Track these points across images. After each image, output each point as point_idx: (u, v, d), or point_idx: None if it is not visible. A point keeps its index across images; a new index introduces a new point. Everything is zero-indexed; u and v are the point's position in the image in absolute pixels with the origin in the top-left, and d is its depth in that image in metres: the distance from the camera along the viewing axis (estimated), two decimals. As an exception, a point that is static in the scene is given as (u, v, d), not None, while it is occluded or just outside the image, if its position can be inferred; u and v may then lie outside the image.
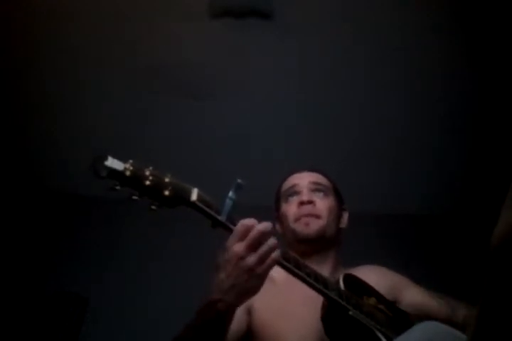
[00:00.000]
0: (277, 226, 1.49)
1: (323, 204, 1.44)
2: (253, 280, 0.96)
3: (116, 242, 3.04)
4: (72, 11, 2.41)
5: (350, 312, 1.08)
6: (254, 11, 2.37)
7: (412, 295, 1.39)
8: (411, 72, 2.59)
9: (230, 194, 1.00)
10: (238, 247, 0.96)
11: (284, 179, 1.54)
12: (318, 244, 1.40)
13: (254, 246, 0.96)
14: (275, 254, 0.98)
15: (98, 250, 3.02)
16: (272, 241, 0.98)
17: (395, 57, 2.54)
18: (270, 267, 0.98)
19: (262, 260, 0.96)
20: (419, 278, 1.46)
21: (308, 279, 1.06)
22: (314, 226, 1.39)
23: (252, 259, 0.95)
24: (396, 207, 3.13)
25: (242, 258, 0.95)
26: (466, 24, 2.36)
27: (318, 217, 1.41)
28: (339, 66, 2.59)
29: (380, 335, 1.07)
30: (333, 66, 2.59)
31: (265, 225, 0.98)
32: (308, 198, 1.43)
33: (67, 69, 2.64)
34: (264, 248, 0.97)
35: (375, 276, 1.33)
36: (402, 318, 1.21)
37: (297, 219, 1.41)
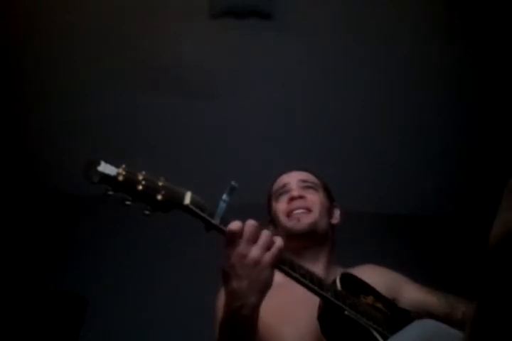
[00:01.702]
0: (271, 228, 1.50)
1: (313, 198, 1.46)
2: (264, 272, 0.98)
3: (117, 242, 3.04)
4: (72, 10, 2.42)
5: (346, 312, 1.08)
6: (254, 11, 2.37)
7: (410, 292, 1.40)
8: (411, 72, 2.59)
9: (224, 196, 1.00)
10: (239, 248, 0.98)
11: (274, 180, 1.56)
12: (310, 238, 1.41)
13: (252, 241, 0.98)
14: (278, 241, 1.00)
15: (98, 250, 3.02)
16: (266, 231, 1.00)
17: (395, 58, 2.54)
18: (276, 255, 0.99)
19: (264, 249, 0.98)
20: (419, 278, 1.46)
21: (303, 280, 1.07)
22: (306, 220, 1.40)
23: (254, 252, 0.97)
24: (396, 207, 3.13)
25: (245, 255, 0.97)
26: (467, 23, 2.36)
27: (309, 210, 1.42)
28: (339, 66, 2.59)
29: (376, 334, 1.07)
30: (333, 66, 2.59)
31: (253, 221, 1.01)
32: (298, 193, 1.45)
33: (67, 69, 2.64)
34: (262, 237, 0.99)
35: (373, 275, 1.33)
36: (400, 316, 1.21)
37: (288, 215, 1.43)
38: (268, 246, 0.99)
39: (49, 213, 3.19)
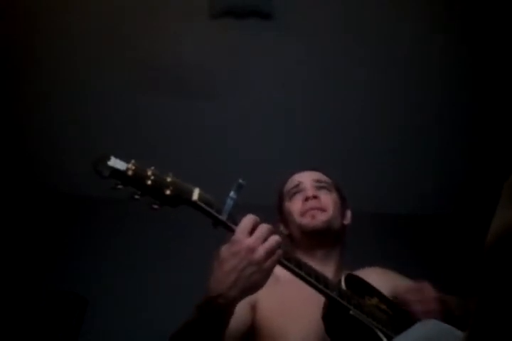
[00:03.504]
0: (281, 227, 1.49)
1: (327, 198, 1.46)
2: (258, 275, 0.97)
3: (117, 242, 3.04)
4: (72, 10, 2.42)
5: (351, 312, 1.08)
6: (254, 11, 2.37)
7: None
8: (411, 71, 2.59)
9: (231, 193, 1.01)
10: (249, 240, 0.97)
11: (286, 179, 1.56)
12: (324, 236, 1.41)
13: (262, 241, 0.98)
14: (280, 250, 0.99)
15: (98, 250, 3.02)
16: (277, 236, 1.00)
17: (395, 58, 2.54)
18: (275, 263, 0.99)
19: (269, 254, 0.97)
20: (419, 279, 1.45)
21: (308, 278, 1.06)
22: (321, 217, 1.41)
23: (260, 253, 0.96)
24: (396, 207, 3.13)
25: (252, 251, 0.96)
26: (467, 23, 2.36)
27: (323, 210, 1.42)
28: (339, 66, 2.59)
29: (380, 335, 1.07)
30: (333, 66, 2.59)
31: (269, 225, 1.01)
32: (313, 193, 1.45)
33: (67, 69, 2.64)
34: (271, 242, 0.98)
35: (377, 278, 1.33)
36: (403, 318, 1.21)
37: (303, 214, 1.43)
38: (273, 253, 0.98)
39: (49, 213, 3.19)
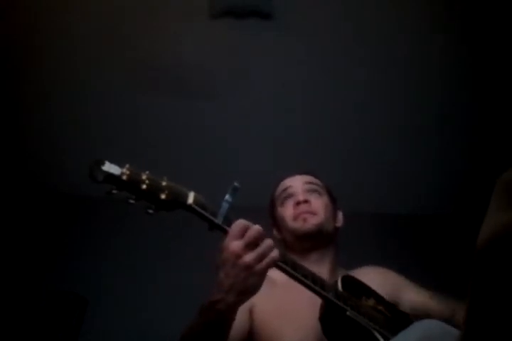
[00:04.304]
0: (274, 232, 1.50)
1: (318, 202, 1.47)
2: (252, 279, 0.97)
3: (117, 242, 3.04)
4: (72, 10, 2.42)
5: (348, 313, 1.08)
6: (254, 11, 2.37)
7: (412, 295, 1.40)
8: (411, 71, 2.59)
9: (227, 197, 1.01)
10: (235, 246, 0.97)
11: (277, 184, 1.57)
12: (317, 239, 1.42)
13: (251, 245, 0.98)
14: (274, 253, 0.99)
15: (98, 250, 3.02)
16: (269, 240, 0.99)
17: (395, 58, 2.54)
18: (269, 266, 0.99)
19: (260, 258, 0.97)
20: (419, 279, 1.46)
21: (305, 280, 1.07)
22: (312, 221, 1.42)
23: (249, 257, 0.96)
24: (396, 207, 3.13)
25: (239, 256, 0.96)
26: (467, 23, 2.36)
27: (315, 213, 1.43)
28: (339, 66, 2.59)
29: (377, 335, 1.08)
30: (333, 66, 2.59)
31: (259, 227, 1.00)
32: (303, 198, 1.46)
33: (66, 69, 2.64)
34: (262, 246, 0.98)
35: (375, 277, 1.34)
36: (401, 319, 1.21)
37: (295, 218, 1.44)
38: (264, 256, 0.98)
39: (49, 213, 3.19)
